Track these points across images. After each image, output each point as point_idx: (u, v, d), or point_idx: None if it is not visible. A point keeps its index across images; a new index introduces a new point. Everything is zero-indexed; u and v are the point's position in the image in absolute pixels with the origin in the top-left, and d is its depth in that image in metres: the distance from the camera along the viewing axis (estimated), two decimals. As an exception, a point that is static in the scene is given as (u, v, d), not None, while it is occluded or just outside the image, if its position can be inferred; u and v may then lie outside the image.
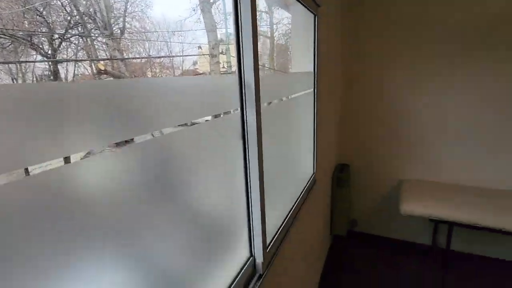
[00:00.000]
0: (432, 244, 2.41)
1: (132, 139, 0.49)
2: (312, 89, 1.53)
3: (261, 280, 0.91)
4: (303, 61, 1.49)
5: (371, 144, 2.45)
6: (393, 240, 2.56)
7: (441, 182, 2.24)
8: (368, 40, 2.24)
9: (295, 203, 1.31)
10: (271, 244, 1.02)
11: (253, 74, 0.78)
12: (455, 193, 2.02)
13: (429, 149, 2.27)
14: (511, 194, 1.97)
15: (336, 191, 2.32)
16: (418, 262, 2.31)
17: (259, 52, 0.82)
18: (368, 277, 2.17)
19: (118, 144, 0.45)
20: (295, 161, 1.37)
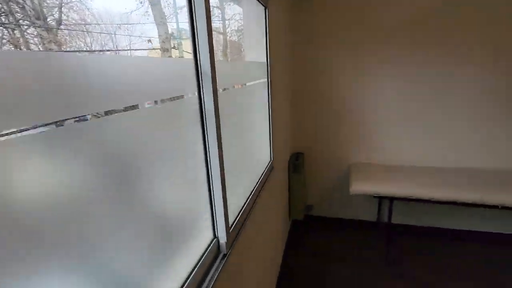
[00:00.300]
0: (377, 220, 2.70)
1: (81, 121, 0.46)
2: (266, 79, 1.60)
3: (225, 259, 0.94)
4: (256, 52, 1.55)
5: (322, 133, 2.63)
6: (345, 220, 2.79)
7: (385, 164, 2.51)
8: (316, 33, 2.39)
9: (255, 187, 1.37)
10: (234, 225, 1.06)
11: (209, 57, 0.80)
12: (395, 172, 2.28)
13: (373, 135, 2.51)
14: (442, 169, 2.29)
15: (293, 178, 2.45)
16: (367, 237, 2.57)
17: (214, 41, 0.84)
18: (324, 256, 2.34)
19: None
20: (253, 147, 1.43)
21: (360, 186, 2.08)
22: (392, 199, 2.06)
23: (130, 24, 1.03)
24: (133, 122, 0.60)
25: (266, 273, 1.68)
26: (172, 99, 0.74)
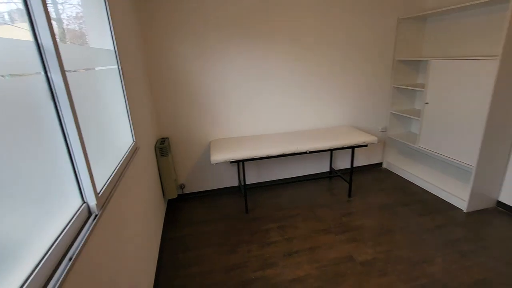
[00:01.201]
0: (238, 183, 3.30)
1: None
2: (116, 66, 1.72)
3: (96, 219, 1.09)
4: (101, 39, 1.63)
5: (183, 117, 2.92)
6: (214, 190, 3.25)
7: (240, 136, 3.08)
8: (166, 25, 2.61)
9: (120, 162, 1.51)
10: (102, 191, 1.20)
11: (49, 35, 0.91)
12: (246, 141, 2.87)
13: (227, 113, 3.02)
14: (281, 134, 3.06)
15: (161, 161, 2.64)
16: (231, 198, 3.12)
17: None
18: (198, 223, 2.70)
19: None
20: (113, 128, 1.55)
21: (218, 156, 2.53)
22: (243, 161, 2.62)
23: None
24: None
25: (146, 243, 1.85)
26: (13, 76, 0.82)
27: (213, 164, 3.14)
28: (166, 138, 2.88)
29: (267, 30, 2.85)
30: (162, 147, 2.62)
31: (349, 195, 3.04)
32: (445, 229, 2.41)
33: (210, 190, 3.26)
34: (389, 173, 3.58)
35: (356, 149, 3.58)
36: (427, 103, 2.95)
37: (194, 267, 2.11)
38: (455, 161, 2.75)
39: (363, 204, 2.87)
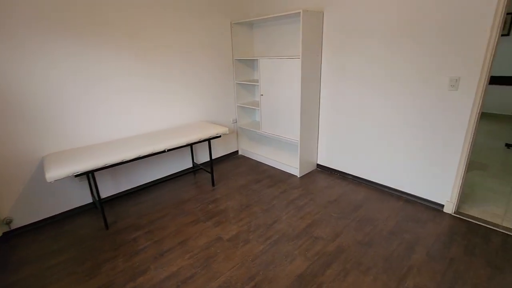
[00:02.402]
0: (93, 199, 2.89)
1: None
2: None
3: None
4: None
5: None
6: (61, 214, 2.70)
7: (81, 146, 2.66)
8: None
9: None
10: None
11: None
12: (91, 149, 2.52)
13: (60, 123, 2.54)
14: (133, 137, 2.84)
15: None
16: (86, 217, 2.70)
17: None
18: (46, 260, 2.19)
19: None
20: None
21: (56, 172, 2.12)
22: (92, 172, 2.31)
23: None
24: None
25: None
26: None
27: (50, 182, 2.59)
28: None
29: (101, 29, 2.59)
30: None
31: (213, 184, 3.28)
32: (287, 193, 3.04)
33: (55, 216, 2.68)
34: (244, 159, 4.10)
35: (213, 141, 3.87)
36: (262, 95, 3.56)
37: (41, 310, 1.72)
38: (287, 139, 3.48)
39: (226, 189, 3.18)
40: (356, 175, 3.27)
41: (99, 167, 2.32)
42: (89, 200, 2.88)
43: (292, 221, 2.53)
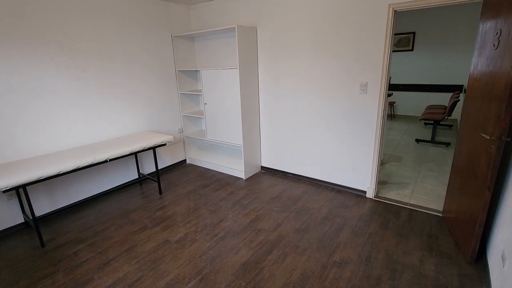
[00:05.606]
0: (25, 218, 2.68)
1: None
2: None
3: None
4: None
5: None
6: (-16, 238, 2.46)
7: (13, 161, 2.48)
8: None
9: None
10: None
11: None
12: (21, 163, 2.37)
13: (-20, 138, 2.35)
14: (77, 148, 2.73)
15: None
16: (21, 239, 2.51)
17: None
18: (-37, 283, 1.99)
19: None
20: None
21: (-19, 188, 1.98)
22: (23, 187, 2.19)
23: None
24: None
25: None
26: None
27: (-26, 204, 2.36)
28: None
29: (34, 41, 2.51)
30: None
31: (160, 193, 3.30)
32: (233, 195, 3.21)
33: (-23, 241, 2.43)
34: (193, 167, 4.18)
35: (159, 150, 3.89)
36: (206, 103, 3.73)
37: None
38: (231, 144, 3.69)
39: (173, 196, 3.23)
40: (296, 173, 3.61)
41: (32, 181, 2.21)
42: (21, 220, 2.67)
43: (237, 218, 2.71)
